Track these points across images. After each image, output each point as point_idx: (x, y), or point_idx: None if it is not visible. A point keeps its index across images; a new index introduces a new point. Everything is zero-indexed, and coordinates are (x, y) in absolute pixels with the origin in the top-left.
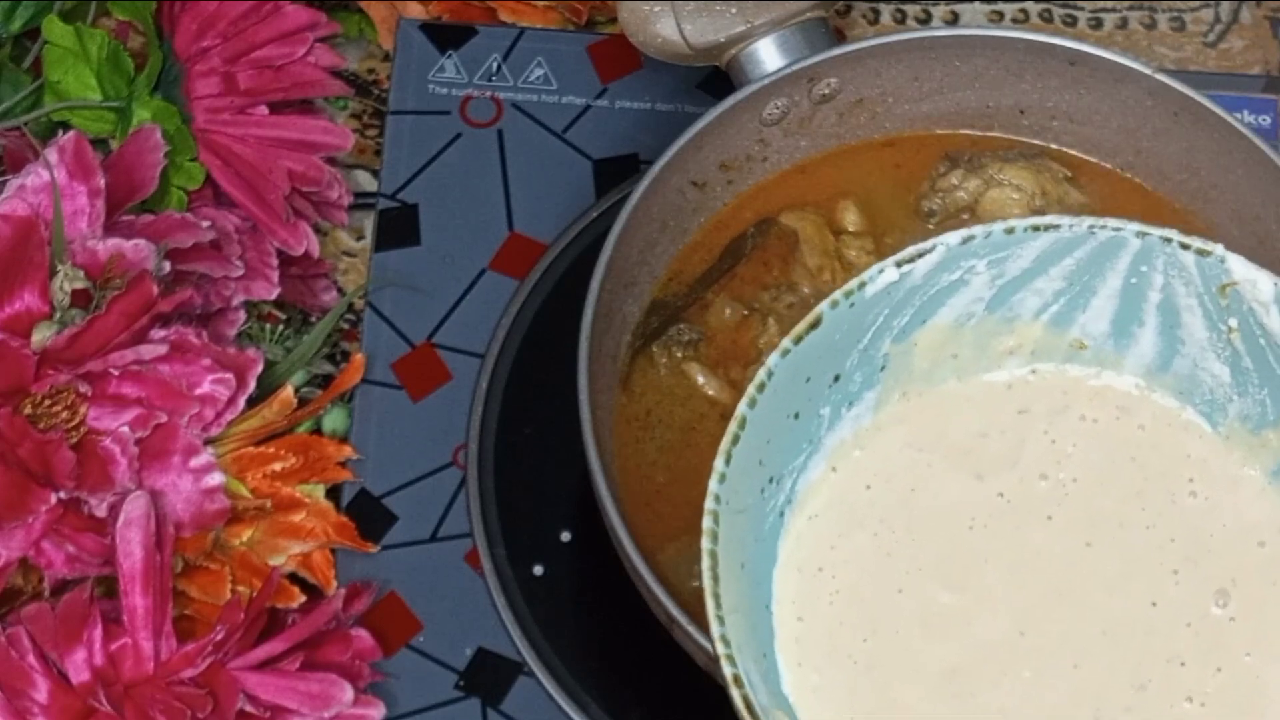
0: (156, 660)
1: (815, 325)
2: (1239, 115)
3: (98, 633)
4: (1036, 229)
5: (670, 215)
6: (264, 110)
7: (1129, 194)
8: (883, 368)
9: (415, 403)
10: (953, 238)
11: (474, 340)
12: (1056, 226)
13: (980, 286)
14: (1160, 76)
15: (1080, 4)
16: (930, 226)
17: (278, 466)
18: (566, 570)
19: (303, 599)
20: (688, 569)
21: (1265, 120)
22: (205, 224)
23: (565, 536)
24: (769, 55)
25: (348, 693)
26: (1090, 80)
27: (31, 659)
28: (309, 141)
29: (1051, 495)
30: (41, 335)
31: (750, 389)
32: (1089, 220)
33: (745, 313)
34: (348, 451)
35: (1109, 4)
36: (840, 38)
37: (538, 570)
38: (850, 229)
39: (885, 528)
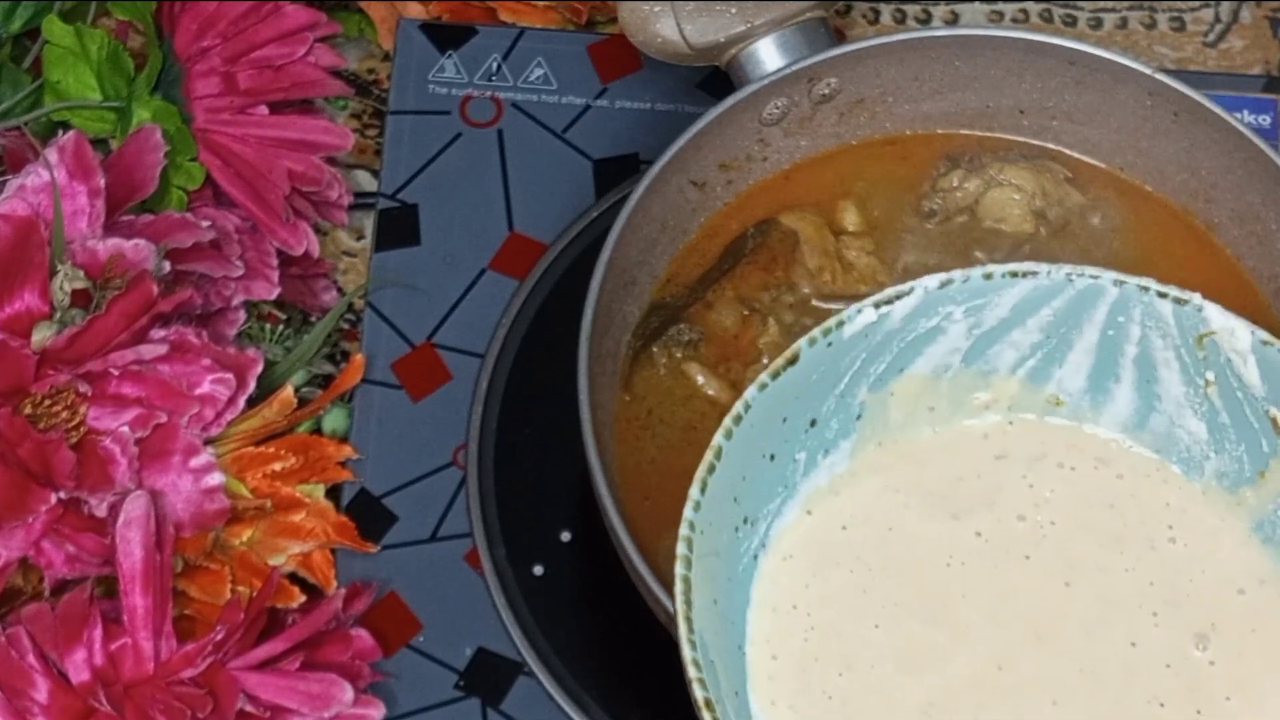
0: (156, 660)
1: (793, 361)
2: (1239, 115)
3: (98, 633)
4: (1015, 275)
5: (670, 215)
6: (264, 110)
7: (1129, 194)
8: (859, 416)
9: (415, 403)
10: (931, 281)
11: (474, 340)
12: (1034, 273)
13: (957, 336)
14: (1160, 76)
15: (1080, 4)
16: (930, 227)
17: (278, 466)
18: (566, 570)
19: (303, 599)
20: None
21: (1265, 120)
22: (205, 224)
23: (565, 536)
24: (769, 55)
25: (348, 693)
26: (1090, 80)
27: (31, 659)
28: (309, 141)
29: (1029, 536)
30: (41, 335)
31: (727, 421)
32: (1067, 268)
33: (745, 313)
34: (348, 451)
35: (1109, 4)
36: (840, 38)
37: (538, 570)
38: (850, 229)
39: (862, 565)
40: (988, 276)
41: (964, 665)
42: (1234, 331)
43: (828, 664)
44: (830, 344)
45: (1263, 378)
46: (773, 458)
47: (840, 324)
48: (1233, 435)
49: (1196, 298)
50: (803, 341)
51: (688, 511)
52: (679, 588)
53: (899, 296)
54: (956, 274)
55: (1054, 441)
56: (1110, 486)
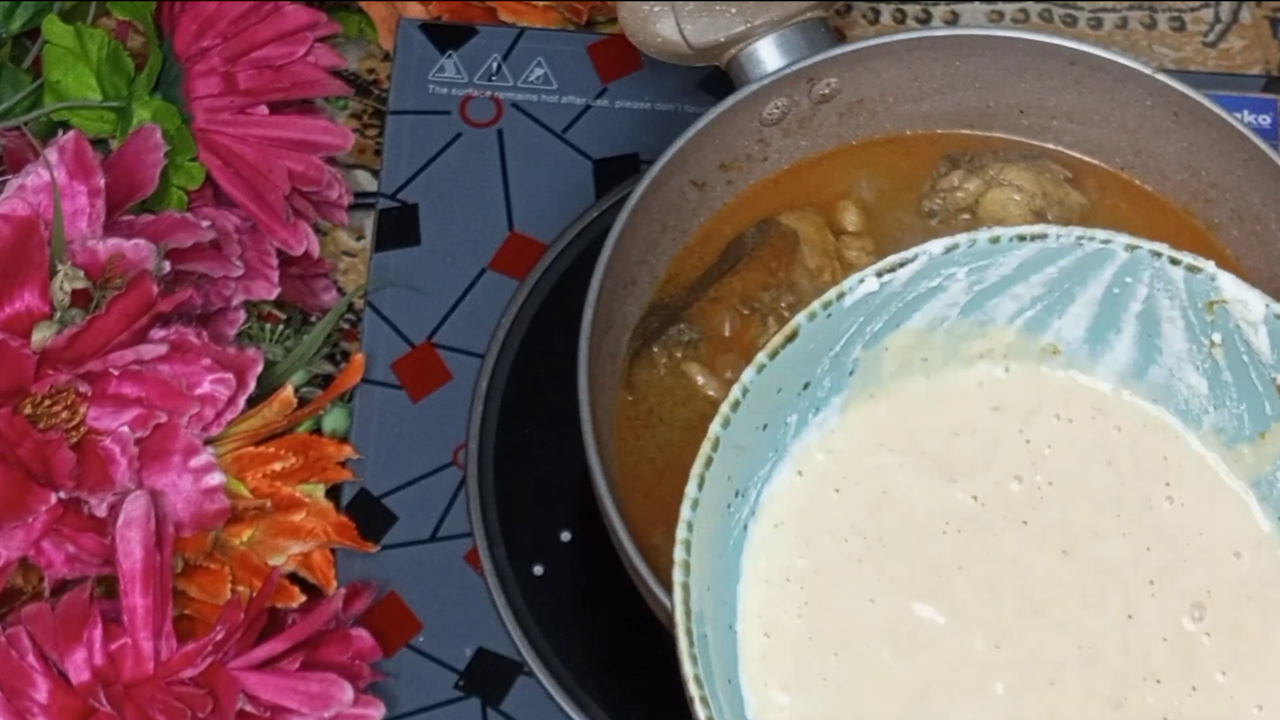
0: (156, 660)
1: (791, 338)
2: (1239, 115)
3: (98, 633)
4: (1023, 238)
5: (670, 215)
6: (264, 110)
7: (1129, 194)
8: (851, 372)
9: (415, 403)
10: (935, 247)
11: (474, 340)
12: (1044, 236)
13: (957, 292)
14: (1160, 76)
15: (1080, 4)
16: (932, 225)
17: (278, 466)
18: (566, 570)
19: (303, 599)
20: None
21: (1265, 120)
22: (205, 224)
23: (565, 536)
24: (769, 55)
25: (348, 693)
26: (1090, 80)
27: (31, 659)
28: (309, 141)
29: (1027, 499)
30: (41, 335)
31: (724, 409)
32: (1077, 231)
33: (745, 313)
34: (348, 451)
35: (1109, 4)
36: (840, 38)
37: (538, 570)
38: (850, 229)
39: (855, 533)
40: (994, 240)
41: (961, 643)
42: (1247, 303)
43: (821, 643)
44: (830, 315)
45: (1273, 347)
46: (765, 427)
47: (841, 295)
48: (1234, 393)
49: (1210, 266)
50: (801, 317)
51: (685, 511)
52: (678, 595)
53: (902, 264)
54: (963, 238)
55: (1050, 392)
56: (1108, 440)
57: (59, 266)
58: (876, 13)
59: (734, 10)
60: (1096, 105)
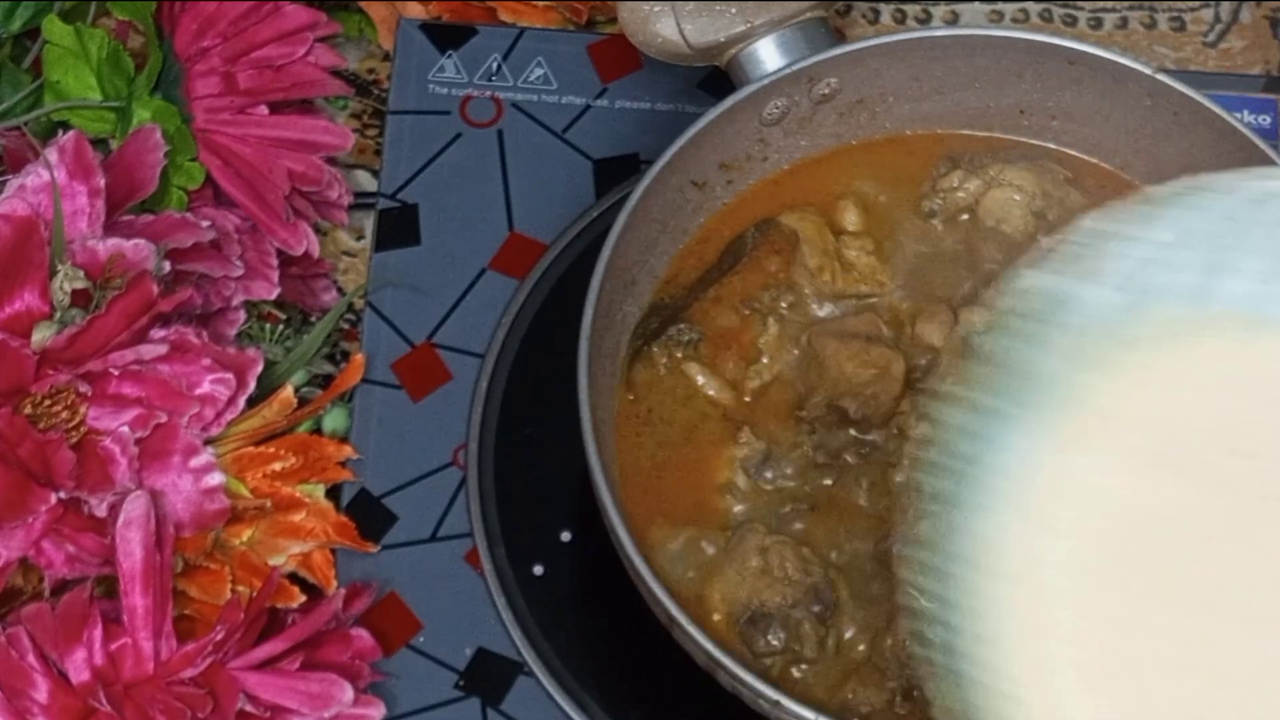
0: (156, 660)
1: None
2: (1239, 115)
3: (98, 633)
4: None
5: (670, 215)
6: (264, 110)
7: (1129, 194)
8: (1059, 396)
9: (415, 403)
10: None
11: (474, 340)
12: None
13: (1119, 275)
14: (1160, 76)
15: (1080, 4)
16: (932, 225)
17: (278, 466)
18: (566, 570)
19: (303, 599)
20: (685, 568)
21: (1265, 120)
22: (205, 224)
23: (565, 536)
24: (769, 55)
25: (348, 693)
26: (1090, 80)
27: (31, 659)
28: (309, 141)
29: (1261, 476)
30: (41, 335)
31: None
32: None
33: (745, 312)
34: (348, 451)
35: (1109, 4)
36: (840, 38)
37: (538, 570)
38: (850, 229)
39: (1100, 575)
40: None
41: (1240, 646)
42: None
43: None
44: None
45: None
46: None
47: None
48: None
49: None
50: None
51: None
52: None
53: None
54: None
55: (1247, 359)
56: None
57: (59, 266)
58: (876, 13)
59: (734, 10)
60: (1096, 105)
